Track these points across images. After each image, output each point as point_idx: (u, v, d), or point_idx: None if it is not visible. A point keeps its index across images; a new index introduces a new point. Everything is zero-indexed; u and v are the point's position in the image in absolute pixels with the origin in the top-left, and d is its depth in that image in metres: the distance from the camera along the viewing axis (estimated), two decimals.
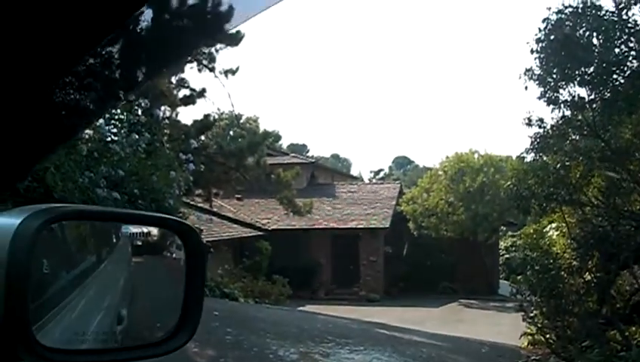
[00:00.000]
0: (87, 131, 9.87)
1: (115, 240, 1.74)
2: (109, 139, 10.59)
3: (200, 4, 1.19)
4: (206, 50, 17.51)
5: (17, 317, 1.05)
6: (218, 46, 17.54)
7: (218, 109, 21.15)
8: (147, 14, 1.09)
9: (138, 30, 1.11)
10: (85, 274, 1.54)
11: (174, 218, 1.61)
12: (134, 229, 1.71)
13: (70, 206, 1.36)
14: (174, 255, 1.74)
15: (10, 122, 1.08)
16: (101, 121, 10.40)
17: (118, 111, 11.39)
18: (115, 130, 10.86)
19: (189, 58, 15.76)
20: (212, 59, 17.91)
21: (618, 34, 12.33)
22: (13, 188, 1.26)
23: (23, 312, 1.06)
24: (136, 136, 11.18)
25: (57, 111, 1.18)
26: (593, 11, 12.37)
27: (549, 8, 12.70)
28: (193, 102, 17.82)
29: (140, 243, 1.77)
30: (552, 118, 13.43)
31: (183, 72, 17.18)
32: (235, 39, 17.10)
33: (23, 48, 0.97)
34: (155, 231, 1.78)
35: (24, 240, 1.06)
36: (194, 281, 1.43)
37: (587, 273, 13.11)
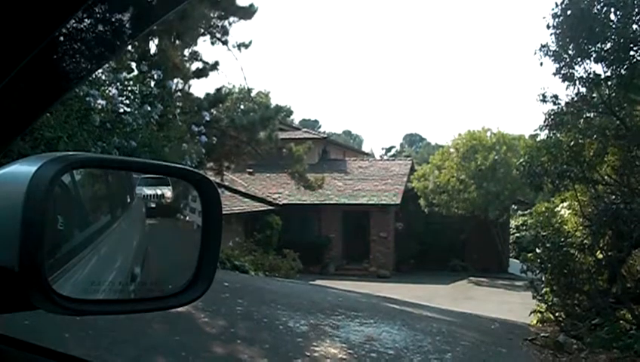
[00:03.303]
0: (100, 101, 9.89)
1: (129, 200, 1.74)
2: (121, 110, 10.59)
3: None
4: (219, 23, 17.44)
5: (33, 265, 1.04)
6: (231, 19, 17.46)
7: (229, 83, 21.11)
8: None
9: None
10: (100, 232, 1.53)
11: (190, 168, 1.60)
12: (148, 191, 1.71)
13: (87, 153, 1.36)
14: (187, 217, 1.74)
15: (4, 77, 1.07)
16: (114, 91, 10.41)
17: (131, 82, 11.39)
18: (127, 102, 10.86)
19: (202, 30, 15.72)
20: (225, 32, 17.83)
21: (636, 10, 12.18)
22: (12, 142, 1.24)
23: (38, 260, 1.05)
24: (149, 108, 11.18)
25: (51, 65, 1.17)
26: None
27: None
28: (206, 75, 17.77)
29: (153, 205, 1.77)
30: (567, 95, 13.36)
31: (196, 44, 17.12)
32: (248, 12, 17.02)
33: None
34: (168, 193, 1.77)
35: (41, 186, 1.05)
36: (210, 231, 1.41)
37: (598, 251, 13.09)
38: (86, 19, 1.09)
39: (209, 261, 1.38)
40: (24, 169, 1.08)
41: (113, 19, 1.18)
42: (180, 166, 1.54)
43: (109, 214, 1.63)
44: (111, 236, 1.59)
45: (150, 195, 1.73)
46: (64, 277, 1.25)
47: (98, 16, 1.12)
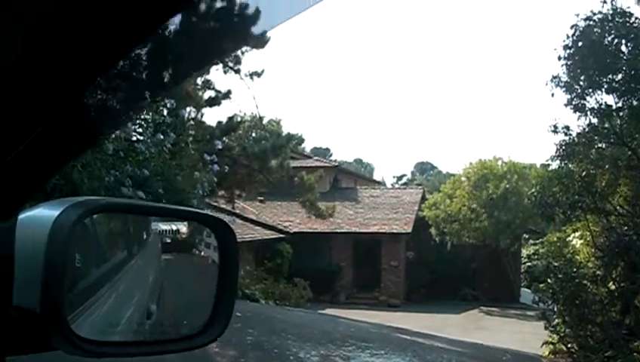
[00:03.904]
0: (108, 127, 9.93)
1: (145, 237, 1.76)
2: (134, 138, 10.64)
3: (227, 7, 1.19)
4: (232, 53, 17.57)
5: (54, 306, 1.07)
6: (244, 48, 17.60)
7: (240, 111, 21.21)
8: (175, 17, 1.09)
9: (166, 33, 1.12)
10: (116, 269, 1.55)
11: (210, 214, 1.62)
12: (164, 226, 1.73)
13: (107, 198, 1.38)
14: (202, 253, 1.76)
15: (42, 123, 1.10)
16: None
17: (144, 110, 11.46)
18: (140, 130, 10.91)
19: (216, 60, 15.84)
20: (238, 61, 17.97)
21: None
22: (43, 188, 1.27)
23: (59, 302, 1.08)
24: (162, 137, 11.22)
25: (87, 113, 1.19)
26: (622, 18, 12.29)
27: (578, 15, 12.63)
28: (218, 104, 17.89)
29: (169, 240, 1.79)
30: (579, 126, 13.37)
31: (208, 73, 17.25)
32: (260, 42, 17.16)
33: (59, 50, 0.98)
34: (183, 228, 1.79)
35: (63, 231, 1.07)
36: (227, 277, 1.43)
37: (611, 282, 13.01)
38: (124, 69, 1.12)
39: (226, 303, 1.40)
40: (47, 213, 1.10)
41: (152, 70, 1.21)
42: (198, 211, 1.57)
43: (125, 251, 1.65)
44: (128, 273, 1.61)
45: (166, 231, 1.75)
46: (82, 317, 1.27)
47: (137, 66, 1.15)
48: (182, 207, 1.65)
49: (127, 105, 1.33)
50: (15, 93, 1.00)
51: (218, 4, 1.17)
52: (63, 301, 1.09)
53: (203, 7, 1.19)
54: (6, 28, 0.92)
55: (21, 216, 1.10)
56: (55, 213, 1.09)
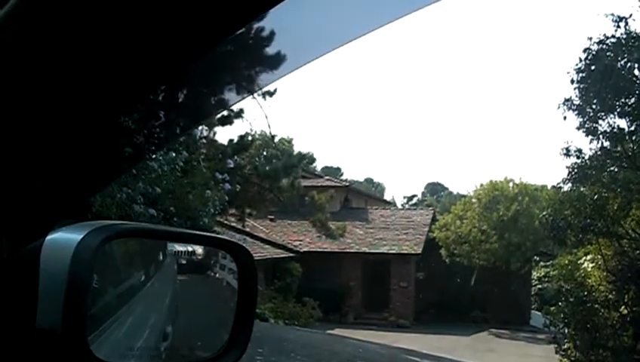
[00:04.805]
0: (126, 149, 10.00)
1: (161, 258, 1.77)
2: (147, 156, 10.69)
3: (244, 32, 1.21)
4: (245, 73, 17.65)
5: (76, 330, 1.08)
6: (257, 68, 17.67)
7: (251, 129, 21.25)
8: None
9: None
10: (133, 291, 1.56)
11: (228, 238, 1.63)
12: (179, 248, 1.74)
13: (128, 223, 1.40)
14: (217, 274, 1.77)
15: (76, 148, 1.11)
16: (141, 139, 10.52)
17: (157, 129, 11.52)
18: (153, 148, 10.96)
19: (234, 85, 15.88)
20: (250, 81, 18.04)
21: None
22: (72, 215, 1.29)
23: (81, 326, 1.09)
24: (174, 155, 11.28)
25: (118, 139, 1.21)
26: (636, 42, 12.29)
27: (590, 38, 12.65)
28: (230, 123, 17.94)
29: (184, 261, 1.80)
30: (591, 149, 13.38)
31: (222, 93, 17.32)
32: (274, 62, 17.24)
33: (96, 80, 1.00)
34: (199, 250, 1.80)
35: (85, 256, 1.09)
36: (245, 300, 1.44)
37: (623, 307, 12.93)
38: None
39: (244, 327, 1.41)
40: (70, 236, 1.12)
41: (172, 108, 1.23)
42: (217, 236, 1.58)
43: (142, 272, 1.66)
44: (144, 295, 1.62)
45: (181, 252, 1.76)
46: (100, 339, 1.28)
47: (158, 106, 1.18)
48: (201, 232, 1.67)
49: (164, 132, 1.35)
50: (46, 118, 1.02)
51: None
52: (84, 326, 1.10)
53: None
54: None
55: (46, 239, 1.12)
56: (78, 237, 1.11)
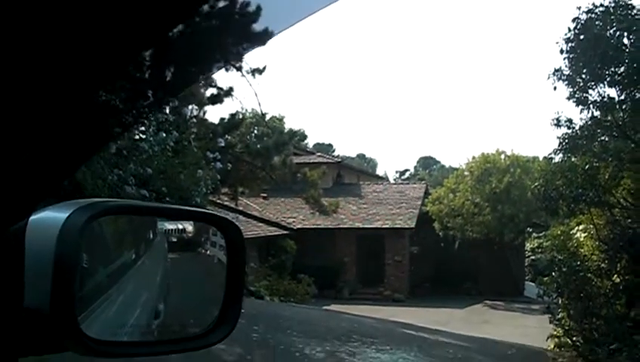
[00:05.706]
0: (115, 129, 9.95)
1: (151, 237, 1.76)
2: (137, 137, 10.66)
3: (229, 6, 1.20)
4: (234, 50, 17.54)
5: (65, 309, 1.08)
6: (245, 45, 17.55)
7: (242, 108, 21.18)
8: None
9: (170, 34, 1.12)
10: (123, 269, 1.56)
11: (216, 213, 1.63)
12: (170, 226, 1.74)
13: (115, 200, 1.39)
14: (208, 251, 1.77)
15: (56, 125, 1.10)
16: (130, 119, 10.48)
17: (147, 109, 11.47)
18: (143, 129, 10.92)
19: (220, 60, 15.79)
20: (239, 58, 17.93)
21: None
22: (57, 192, 1.27)
23: (70, 305, 1.09)
24: (164, 135, 11.24)
25: (97, 115, 1.20)
26: (624, 11, 12.25)
27: (579, 8, 12.60)
28: (220, 101, 17.84)
29: (175, 239, 1.79)
30: (581, 119, 13.36)
31: (210, 71, 17.22)
32: (262, 38, 17.13)
33: (69, 53, 0.99)
34: (189, 227, 1.80)
35: (72, 234, 1.08)
36: (234, 275, 1.44)
37: (615, 275, 13.00)
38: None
39: (234, 302, 1.41)
40: (56, 215, 1.11)
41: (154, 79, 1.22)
42: (205, 211, 1.57)
43: (132, 251, 1.65)
44: (135, 273, 1.62)
45: (172, 230, 1.76)
46: (91, 317, 1.27)
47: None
48: (189, 208, 1.66)
49: (132, 107, 1.34)
50: (25, 96, 1.00)
51: (221, 4, 1.18)
52: (73, 305, 1.10)
53: (205, 7, 1.19)
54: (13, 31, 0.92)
55: (31, 219, 1.10)
56: (64, 215, 1.10)
